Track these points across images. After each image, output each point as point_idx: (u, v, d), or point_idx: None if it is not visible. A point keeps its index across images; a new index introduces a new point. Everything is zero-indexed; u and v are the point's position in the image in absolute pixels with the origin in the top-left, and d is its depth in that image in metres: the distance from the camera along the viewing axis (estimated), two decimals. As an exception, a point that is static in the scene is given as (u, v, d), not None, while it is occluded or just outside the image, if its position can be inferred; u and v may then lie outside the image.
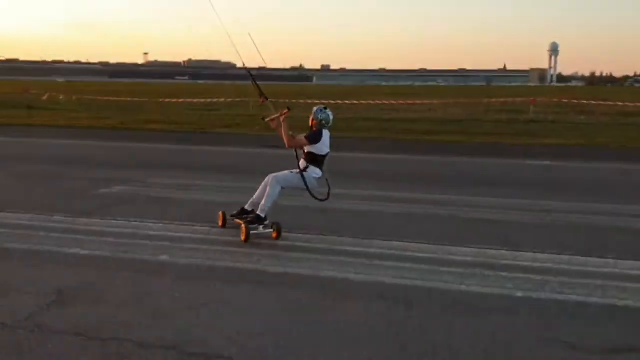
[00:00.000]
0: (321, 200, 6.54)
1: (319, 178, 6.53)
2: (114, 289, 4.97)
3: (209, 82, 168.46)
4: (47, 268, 5.46)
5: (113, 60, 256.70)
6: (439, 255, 5.99)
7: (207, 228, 6.91)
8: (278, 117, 6.55)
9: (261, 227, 6.39)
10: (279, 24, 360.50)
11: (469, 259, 5.87)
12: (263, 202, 6.37)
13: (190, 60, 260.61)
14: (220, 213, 6.92)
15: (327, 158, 6.59)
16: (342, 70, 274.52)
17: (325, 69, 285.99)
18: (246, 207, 6.67)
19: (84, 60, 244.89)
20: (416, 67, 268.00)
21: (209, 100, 37.35)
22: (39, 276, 5.21)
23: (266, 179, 6.55)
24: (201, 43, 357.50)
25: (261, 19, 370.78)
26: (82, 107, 34.09)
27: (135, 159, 13.77)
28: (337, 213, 7.82)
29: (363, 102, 33.52)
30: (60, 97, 34.52)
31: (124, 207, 8.17)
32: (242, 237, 6.24)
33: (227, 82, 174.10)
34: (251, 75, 6.80)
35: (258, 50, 6.96)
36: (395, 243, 6.38)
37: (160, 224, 7.10)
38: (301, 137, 6.52)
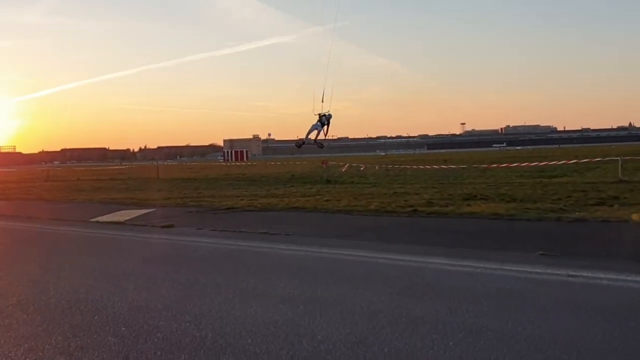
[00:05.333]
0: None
1: None
2: None
3: (527, 148, 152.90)
4: None
5: (432, 132, 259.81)
6: None
7: None
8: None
9: None
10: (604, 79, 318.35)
11: None
12: None
13: (507, 127, 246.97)
14: None
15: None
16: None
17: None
18: None
19: (404, 135, 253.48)
20: None
21: (543, 163, 26.42)
22: None
23: None
24: (517, 108, 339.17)
25: (583, 74, 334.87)
26: (387, 178, 26.49)
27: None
28: None
29: None
30: (361, 168, 27.36)
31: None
32: None
33: (547, 147, 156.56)
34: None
35: None
36: None
37: None
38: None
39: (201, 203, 16.67)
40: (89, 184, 31.09)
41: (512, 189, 18.30)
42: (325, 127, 14.20)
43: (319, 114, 14.83)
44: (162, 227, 11.57)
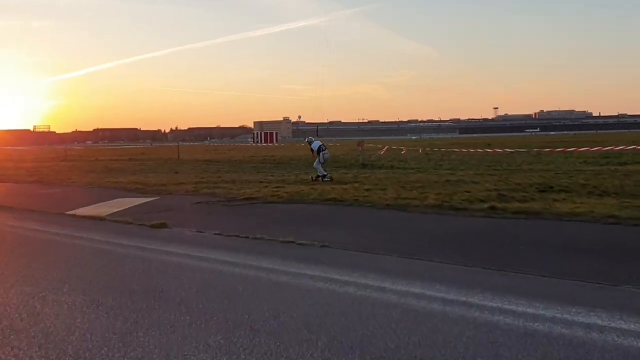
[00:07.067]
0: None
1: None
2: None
3: (562, 133, 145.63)
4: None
5: (463, 117, 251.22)
6: None
7: None
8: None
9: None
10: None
11: None
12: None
13: (541, 112, 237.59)
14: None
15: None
16: None
17: None
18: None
19: (436, 119, 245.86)
20: None
21: (620, 148, 23.09)
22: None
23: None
24: (551, 93, 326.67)
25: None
26: (430, 163, 23.11)
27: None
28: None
29: None
30: (402, 151, 23.92)
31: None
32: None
33: (583, 133, 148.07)
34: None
35: None
36: None
37: None
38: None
39: (216, 190, 13.53)
40: (104, 165, 28.36)
41: (590, 178, 14.80)
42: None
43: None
44: (152, 226, 8.41)
